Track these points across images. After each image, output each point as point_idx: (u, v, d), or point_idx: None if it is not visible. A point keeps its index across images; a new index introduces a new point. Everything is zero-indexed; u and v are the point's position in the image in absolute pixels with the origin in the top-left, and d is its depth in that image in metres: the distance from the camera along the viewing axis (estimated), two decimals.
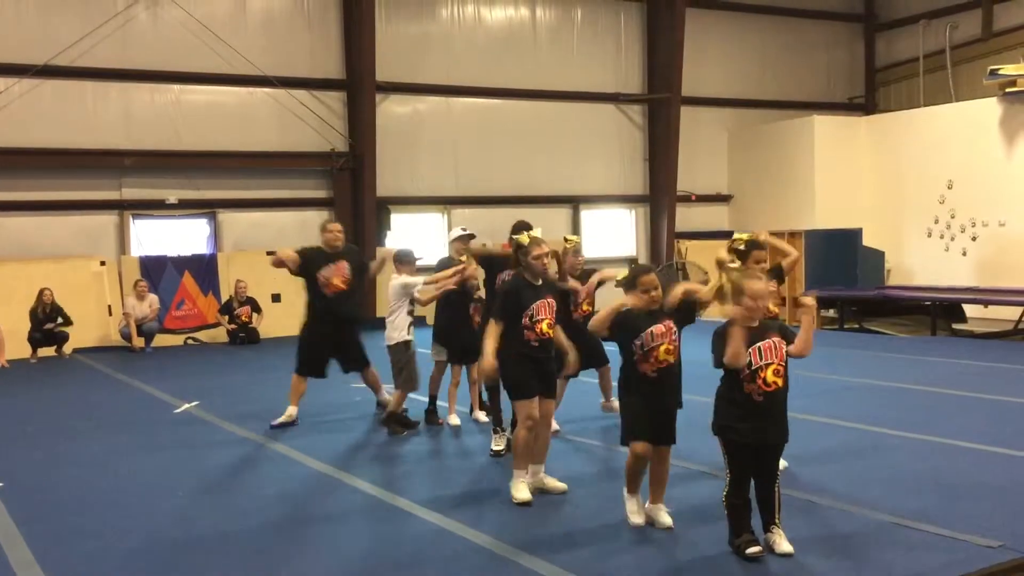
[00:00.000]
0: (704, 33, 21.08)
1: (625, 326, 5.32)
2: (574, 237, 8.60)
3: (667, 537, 5.31)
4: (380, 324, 8.70)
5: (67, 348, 14.91)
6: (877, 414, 8.56)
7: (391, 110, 18.34)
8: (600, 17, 20.49)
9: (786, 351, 4.89)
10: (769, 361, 4.84)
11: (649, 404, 5.31)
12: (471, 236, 8.56)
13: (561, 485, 6.30)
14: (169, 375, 12.56)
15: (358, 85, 17.54)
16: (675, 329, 5.36)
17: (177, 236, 17.13)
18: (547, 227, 19.53)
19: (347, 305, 8.88)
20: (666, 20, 20.19)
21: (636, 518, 5.49)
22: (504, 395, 5.22)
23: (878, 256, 18.39)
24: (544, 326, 6.11)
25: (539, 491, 6.20)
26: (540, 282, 6.22)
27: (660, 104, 20.59)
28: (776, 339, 4.89)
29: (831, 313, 16.86)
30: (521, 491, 6.05)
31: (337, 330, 8.83)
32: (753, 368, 4.82)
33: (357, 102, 17.65)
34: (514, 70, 19.40)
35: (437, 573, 4.87)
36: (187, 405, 9.96)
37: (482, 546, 5.26)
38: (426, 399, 8.68)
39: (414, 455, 7.58)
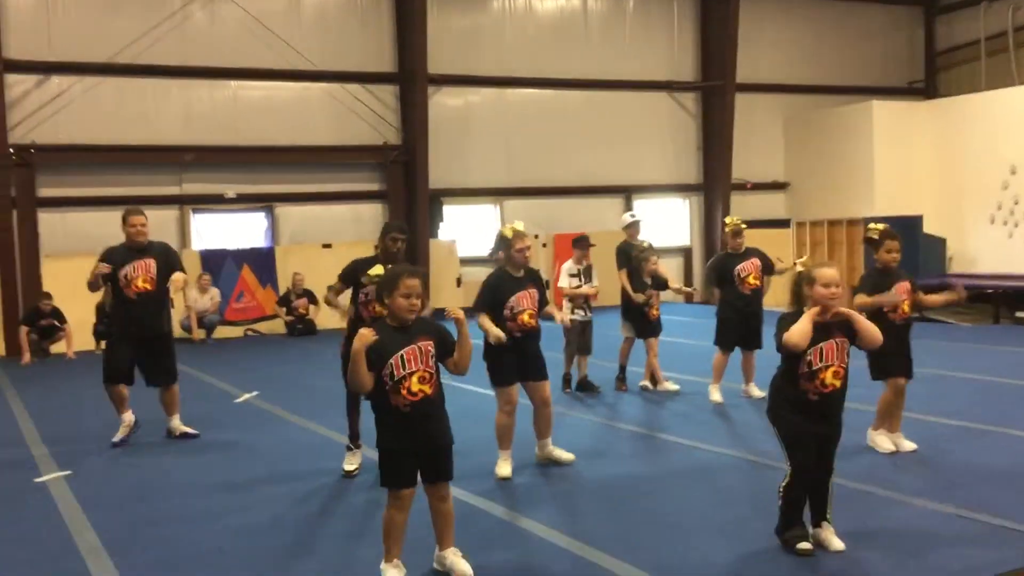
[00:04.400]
0: (759, 18, 20.79)
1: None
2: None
3: (733, 530, 5.29)
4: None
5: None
6: (940, 404, 8.42)
7: (443, 102, 18.42)
8: (652, 4, 20.33)
9: (851, 347, 4.78)
10: (830, 363, 4.71)
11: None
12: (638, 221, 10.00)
13: (568, 455, 6.74)
14: (229, 366, 12.81)
15: (410, 78, 17.65)
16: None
17: (236, 230, 17.43)
18: (599, 217, 19.49)
19: (154, 309, 7.87)
20: (720, 5, 19.96)
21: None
22: (365, 407, 5.11)
23: (939, 243, 18.04)
24: (526, 317, 6.44)
25: (548, 462, 6.71)
26: (522, 273, 6.51)
27: (714, 91, 20.38)
28: (840, 339, 4.74)
29: None
30: (502, 468, 6.49)
31: (144, 336, 7.87)
32: (813, 369, 4.71)
33: (409, 95, 17.76)
34: (566, 60, 19.35)
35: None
36: (247, 395, 10.16)
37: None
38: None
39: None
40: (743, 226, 9.04)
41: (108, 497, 6.45)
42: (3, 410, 10.00)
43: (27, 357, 13.76)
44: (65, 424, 8.20)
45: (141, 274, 7.76)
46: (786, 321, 4.73)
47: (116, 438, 7.88)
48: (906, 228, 17.60)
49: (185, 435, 8.15)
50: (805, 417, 4.77)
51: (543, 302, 6.65)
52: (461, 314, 4.61)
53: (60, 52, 15.59)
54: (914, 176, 19.58)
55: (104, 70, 15.75)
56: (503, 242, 6.52)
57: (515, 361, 6.44)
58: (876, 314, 6.65)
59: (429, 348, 4.49)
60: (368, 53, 17.81)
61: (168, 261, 7.96)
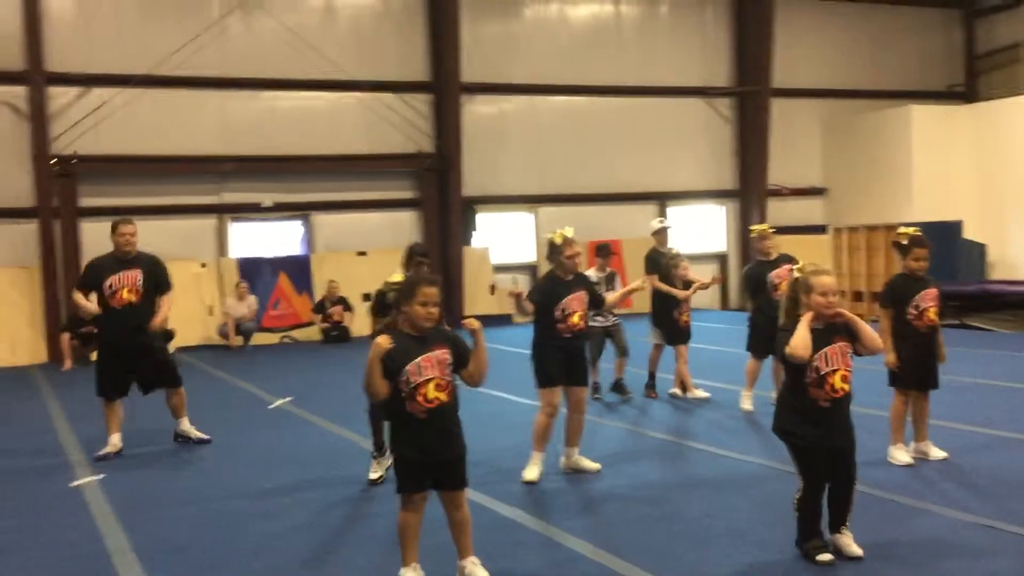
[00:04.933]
0: (795, 22, 20.65)
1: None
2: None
3: (758, 539, 5.27)
4: None
5: (171, 347, 15.45)
6: (977, 413, 8.30)
7: (477, 110, 18.52)
8: (687, 9, 20.29)
9: (854, 352, 4.77)
10: (836, 367, 4.70)
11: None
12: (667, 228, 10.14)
13: (595, 465, 6.80)
14: (265, 372, 12.97)
15: (444, 87, 17.77)
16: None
17: (273, 238, 17.65)
18: (633, 224, 19.36)
19: (140, 320, 7.73)
20: (755, 10, 19.87)
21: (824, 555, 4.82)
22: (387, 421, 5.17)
23: (979, 249, 17.76)
24: (575, 319, 6.60)
25: (574, 470, 6.75)
26: (571, 278, 6.68)
27: (750, 97, 20.27)
28: (842, 343, 4.74)
29: None
30: (530, 472, 6.59)
31: (131, 344, 7.76)
32: (821, 374, 4.69)
33: (443, 103, 17.87)
34: (599, 67, 19.36)
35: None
36: (280, 401, 10.28)
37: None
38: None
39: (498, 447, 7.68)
40: (770, 230, 8.98)
41: (140, 501, 6.57)
42: (42, 415, 10.22)
43: (68, 363, 14.03)
44: (101, 429, 8.31)
45: (127, 285, 7.70)
46: (786, 334, 4.71)
47: (100, 453, 7.79)
48: (945, 234, 17.42)
49: (199, 440, 8.18)
50: (818, 429, 4.73)
51: (598, 300, 6.90)
52: (477, 324, 4.65)
53: (101, 64, 15.92)
54: (954, 181, 19.32)
55: (144, 82, 16.04)
56: (552, 248, 6.70)
57: (562, 363, 6.59)
58: (900, 321, 6.61)
59: (445, 356, 4.53)
60: (402, 62, 17.97)
61: (155, 273, 7.89)
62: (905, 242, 6.63)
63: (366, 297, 16.62)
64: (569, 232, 6.68)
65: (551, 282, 6.70)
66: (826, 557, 4.71)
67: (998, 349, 12.87)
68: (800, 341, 4.63)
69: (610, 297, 8.51)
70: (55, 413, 10.27)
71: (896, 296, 6.65)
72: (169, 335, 15.07)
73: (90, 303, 7.80)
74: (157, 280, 7.89)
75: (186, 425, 8.25)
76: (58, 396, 11.41)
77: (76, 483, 7.06)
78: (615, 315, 9.68)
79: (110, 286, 7.70)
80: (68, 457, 8.02)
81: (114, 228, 7.83)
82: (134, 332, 7.75)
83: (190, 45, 16.26)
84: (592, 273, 9.62)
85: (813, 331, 4.68)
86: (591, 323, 9.33)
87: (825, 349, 4.70)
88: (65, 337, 14.35)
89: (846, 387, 4.72)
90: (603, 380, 9.80)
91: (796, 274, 4.90)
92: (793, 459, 4.88)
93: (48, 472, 7.50)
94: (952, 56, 22.54)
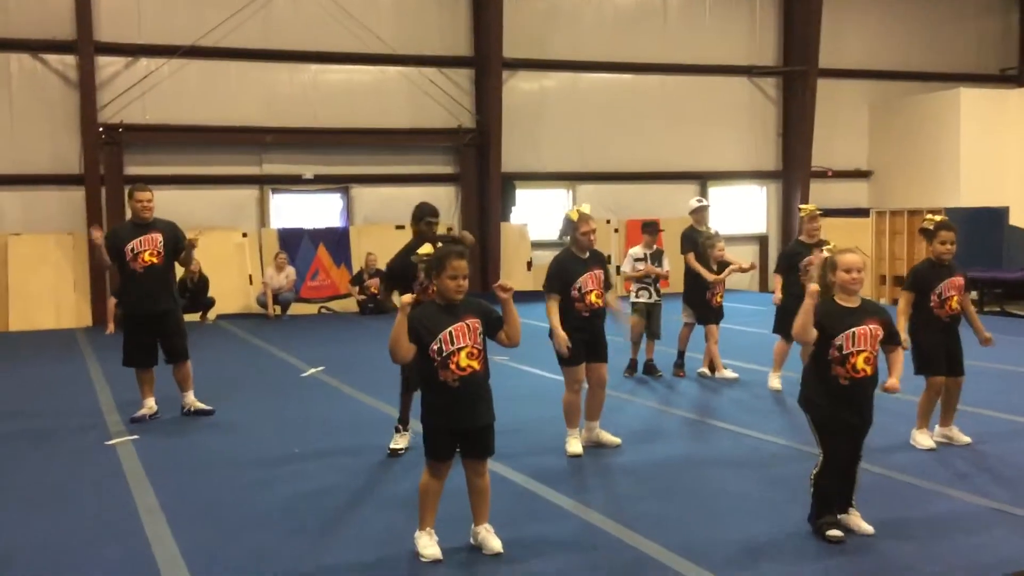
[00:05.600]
0: (844, 1, 20.30)
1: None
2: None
3: (769, 515, 5.30)
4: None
5: (211, 315, 15.78)
6: (1008, 400, 8.21)
7: (518, 86, 18.50)
8: None
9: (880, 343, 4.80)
10: (862, 348, 4.72)
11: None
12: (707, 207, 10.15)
13: (615, 439, 6.89)
14: (300, 341, 13.17)
15: (485, 62, 17.77)
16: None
17: (313, 210, 17.84)
18: (672, 203, 19.22)
19: (161, 283, 7.97)
20: None
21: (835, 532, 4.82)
22: (417, 395, 5.17)
23: None
24: (592, 297, 6.59)
25: (595, 444, 6.84)
26: (587, 255, 6.66)
27: (796, 77, 20.01)
28: (874, 326, 4.76)
29: (972, 295, 16.06)
30: (573, 446, 6.69)
31: (154, 311, 7.95)
32: (844, 353, 4.72)
33: (484, 79, 17.88)
34: (643, 44, 19.21)
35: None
36: (313, 370, 10.45)
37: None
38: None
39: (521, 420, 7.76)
40: (819, 212, 8.87)
41: (170, 462, 6.76)
42: (84, 377, 10.51)
43: (111, 327, 14.35)
44: (138, 393, 8.53)
45: (148, 248, 7.86)
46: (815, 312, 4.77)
47: (136, 415, 8.01)
48: (991, 220, 17.11)
49: (199, 412, 8.24)
50: (837, 404, 4.77)
51: (607, 284, 6.78)
52: (509, 289, 4.69)
53: (148, 35, 16.17)
54: (1002, 166, 18.94)
55: (190, 53, 16.25)
56: (569, 224, 6.69)
57: (583, 341, 6.60)
58: (922, 309, 6.56)
59: (476, 325, 4.61)
60: (445, 37, 17.99)
61: (175, 236, 8.04)
62: (931, 227, 6.57)
63: (377, 273, 16.73)
64: (586, 208, 6.71)
65: (567, 261, 6.67)
66: (836, 533, 4.75)
67: None
68: (799, 327, 4.73)
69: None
70: (95, 375, 10.54)
71: (919, 283, 6.59)
72: (210, 302, 15.48)
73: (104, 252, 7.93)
74: (176, 243, 8.04)
75: (191, 398, 8.30)
76: (99, 359, 11.70)
77: (111, 442, 7.27)
78: (659, 294, 9.71)
79: (132, 249, 7.85)
80: (105, 417, 8.25)
81: (131, 195, 8.01)
82: (156, 298, 7.93)
83: (236, 17, 16.42)
84: (637, 250, 9.68)
85: (844, 309, 4.74)
86: (635, 300, 9.54)
87: (855, 329, 4.73)
88: (111, 302, 14.67)
89: (868, 369, 4.74)
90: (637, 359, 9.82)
91: (826, 254, 4.93)
92: (814, 432, 4.92)
93: (84, 431, 7.72)
94: (1007, 38, 22.03)
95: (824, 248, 5.06)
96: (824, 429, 4.83)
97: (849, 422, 4.79)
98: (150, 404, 8.10)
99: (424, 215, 6.83)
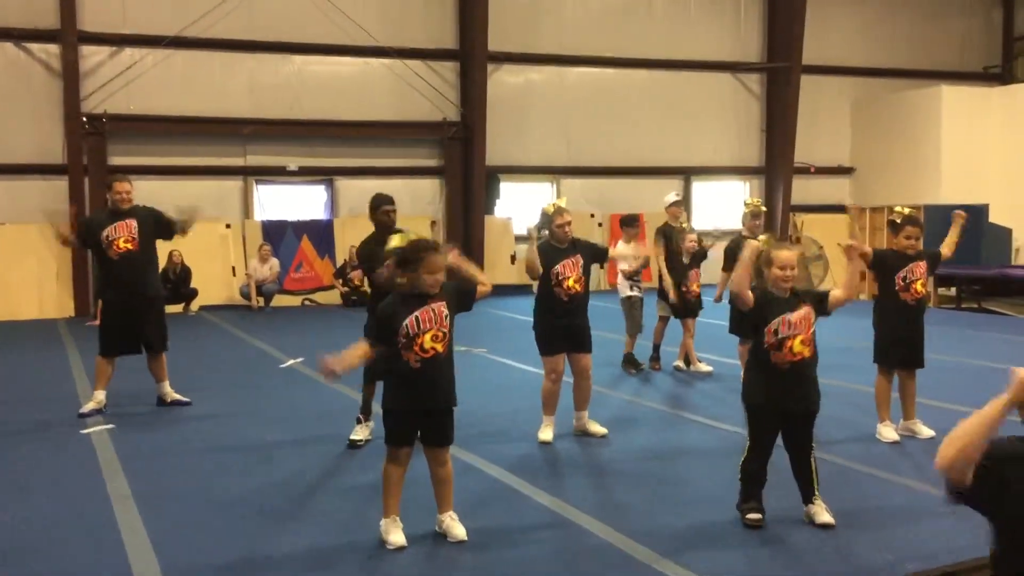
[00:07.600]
0: None
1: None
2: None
3: (730, 505, 5.40)
4: None
5: (194, 306, 15.80)
6: (978, 396, 8.24)
7: (503, 80, 18.56)
8: None
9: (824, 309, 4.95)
10: (797, 332, 4.83)
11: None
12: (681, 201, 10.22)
13: (602, 429, 6.98)
14: (282, 333, 13.22)
15: (471, 55, 17.81)
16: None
17: (297, 202, 17.88)
18: (657, 198, 19.21)
19: (139, 270, 7.90)
20: None
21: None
22: (379, 385, 5.35)
23: (1005, 233, 17.57)
24: (571, 282, 6.73)
25: (582, 433, 6.96)
26: (565, 246, 6.81)
27: (779, 73, 20.11)
28: (807, 309, 4.87)
29: (950, 292, 16.25)
30: (544, 433, 6.84)
31: (132, 300, 7.90)
32: (780, 337, 4.83)
33: (469, 72, 17.92)
34: (628, 39, 19.28)
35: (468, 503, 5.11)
36: (292, 361, 10.51)
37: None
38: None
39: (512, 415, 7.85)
40: (762, 208, 8.93)
41: (144, 451, 6.82)
42: (63, 367, 10.54)
43: (99, 320, 14.34)
44: (115, 382, 8.59)
45: (123, 234, 7.80)
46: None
47: (84, 409, 7.88)
48: (971, 217, 17.14)
49: (176, 402, 8.23)
50: (778, 392, 4.86)
51: (600, 257, 7.12)
52: (456, 254, 4.95)
53: (133, 25, 16.16)
54: (982, 164, 19.08)
55: (175, 43, 16.23)
56: (546, 218, 6.92)
57: (563, 331, 6.77)
58: (886, 293, 6.64)
59: (442, 310, 4.66)
60: (430, 30, 18.02)
61: (152, 219, 7.97)
62: (898, 220, 6.66)
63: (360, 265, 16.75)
64: (562, 202, 6.95)
65: (546, 249, 6.85)
66: (754, 516, 4.89)
67: (1011, 334, 12.80)
68: (737, 279, 4.88)
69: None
70: (75, 365, 10.57)
71: (884, 264, 6.64)
72: (192, 293, 15.50)
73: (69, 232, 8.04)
74: (157, 224, 7.99)
75: (167, 388, 8.29)
76: (80, 349, 11.72)
77: (86, 431, 7.33)
78: (641, 288, 9.81)
79: (107, 236, 7.81)
80: (83, 407, 8.26)
81: (110, 186, 8.04)
82: (135, 285, 7.90)
83: (221, 7, 16.41)
84: (622, 245, 9.72)
85: (777, 298, 4.85)
86: (630, 293, 9.64)
87: (789, 315, 4.83)
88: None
89: (806, 351, 4.85)
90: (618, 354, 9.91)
91: (761, 246, 5.02)
92: (746, 420, 5.04)
93: (62, 419, 7.77)
94: (990, 37, 22.18)
95: (759, 238, 5.18)
96: (754, 416, 4.95)
97: (792, 409, 4.88)
98: (100, 398, 7.98)
99: (381, 204, 6.93)
